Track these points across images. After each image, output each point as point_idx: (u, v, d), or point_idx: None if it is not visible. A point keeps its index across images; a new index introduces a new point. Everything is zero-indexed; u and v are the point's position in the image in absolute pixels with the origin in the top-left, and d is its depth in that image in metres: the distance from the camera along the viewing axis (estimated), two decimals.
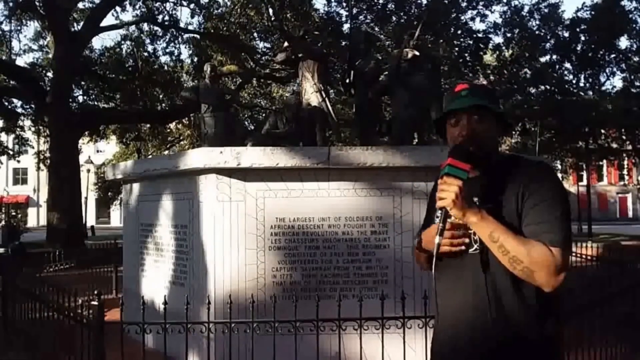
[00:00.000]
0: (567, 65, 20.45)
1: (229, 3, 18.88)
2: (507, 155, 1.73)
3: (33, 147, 23.58)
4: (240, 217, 4.12)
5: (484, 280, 1.52)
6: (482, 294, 1.51)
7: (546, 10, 19.34)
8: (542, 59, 20.51)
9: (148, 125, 21.66)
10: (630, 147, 22.00)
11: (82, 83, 19.21)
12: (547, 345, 1.51)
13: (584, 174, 28.47)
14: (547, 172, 1.58)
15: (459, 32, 18.49)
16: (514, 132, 22.61)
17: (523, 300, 1.49)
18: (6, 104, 18.88)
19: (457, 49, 18.72)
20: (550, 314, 1.53)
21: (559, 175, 29.46)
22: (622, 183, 43.22)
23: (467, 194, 1.48)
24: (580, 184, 29.93)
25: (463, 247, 1.55)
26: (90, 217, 35.47)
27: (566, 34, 19.65)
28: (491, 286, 1.51)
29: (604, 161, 28.01)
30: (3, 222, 22.79)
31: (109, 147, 32.19)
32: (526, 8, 19.30)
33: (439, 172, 1.54)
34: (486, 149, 1.60)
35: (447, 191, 1.47)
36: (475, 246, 1.55)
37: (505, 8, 19.16)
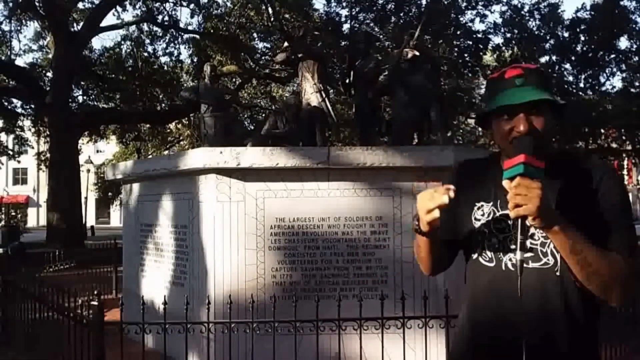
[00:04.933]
0: (567, 65, 20.44)
1: (228, 3, 18.89)
2: (560, 152, 1.50)
3: (33, 147, 23.59)
4: (240, 217, 4.12)
5: (557, 295, 1.35)
6: (553, 309, 1.35)
7: (546, 10, 19.33)
8: (542, 59, 20.50)
9: (148, 125, 21.66)
10: (630, 147, 21.99)
11: (82, 83, 19.21)
12: (598, 354, 1.46)
13: None
14: (617, 176, 1.42)
15: (459, 32, 18.49)
16: None
17: (587, 314, 1.38)
18: (6, 104, 18.88)
19: (456, 49, 18.72)
20: (598, 324, 1.45)
21: None
22: None
23: (548, 199, 1.24)
24: None
25: (436, 214, 1.30)
26: (90, 217, 35.48)
27: (566, 34, 19.65)
28: (563, 300, 1.35)
29: None
30: (3, 222, 22.81)
31: (109, 147, 32.16)
32: (526, 8, 19.29)
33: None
34: (547, 144, 1.39)
35: (527, 196, 1.21)
36: (545, 260, 1.36)
37: (505, 8, 19.17)
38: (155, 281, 4.92)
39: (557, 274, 1.36)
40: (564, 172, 1.40)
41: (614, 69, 20.19)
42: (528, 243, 1.35)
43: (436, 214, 1.31)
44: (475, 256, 1.47)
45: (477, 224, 1.46)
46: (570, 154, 1.53)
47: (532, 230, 1.34)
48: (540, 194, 1.21)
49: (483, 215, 1.46)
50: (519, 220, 1.26)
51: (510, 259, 1.39)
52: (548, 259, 1.37)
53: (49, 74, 18.14)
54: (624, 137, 21.38)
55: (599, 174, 1.38)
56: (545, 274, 1.36)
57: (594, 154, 22.13)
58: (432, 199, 1.31)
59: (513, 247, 1.36)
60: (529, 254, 1.36)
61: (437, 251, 1.51)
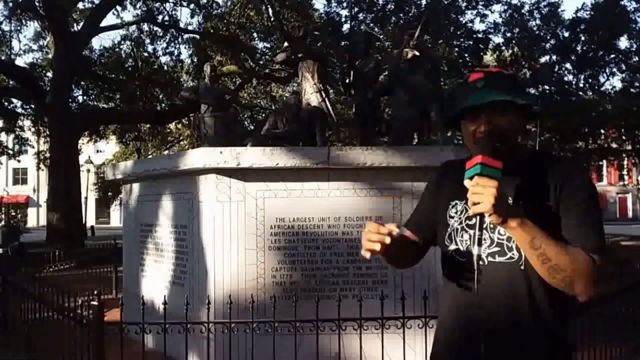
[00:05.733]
0: (567, 65, 20.45)
1: (228, 3, 18.89)
2: (531, 151, 1.56)
3: (33, 147, 23.58)
4: (240, 217, 4.12)
5: (523, 288, 1.40)
6: (519, 302, 1.40)
7: (546, 10, 19.33)
8: (542, 59, 20.51)
9: (148, 125, 21.66)
10: (630, 147, 21.99)
11: (82, 83, 19.21)
12: (568, 347, 1.49)
13: None
14: (584, 173, 1.46)
15: (459, 32, 18.50)
16: None
17: (554, 307, 1.42)
18: (6, 104, 18.88)
19: (457, 49, 18.72)
20: (567, 316, 1.50)
21: None
22: (621, 183, 43.21)
23: (504, 197, 1.31)
24: None
25: (377, 248, 1.39)
26: (90, 217, 35.48)
27: (566, 34, 19.65)
28: (528, 293, 1.40)
29: (604, 161, 28.00)
30: (3, 222, 22.81)
31: (109, 147, 32.17)
32: (526, 7, 19.30)
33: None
34: (510, 143, 1.45)
35: (483, 194, 1.28)
36: (510, 254, 1.41)
37: (505, 7, 19.17)
38: (155, 281, 4.92)
39: (522, 267, 1.40)
40: (534, 171, 1.45)
41: (614, 69, 20.19)
42: (495, 238, 1.43)
43: (376, 247, 1.40)
44: (449, 252, 1.53)
45: (451, 222, 1.54)
46: (542, 154, 1.58)
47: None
48: (495, 192, 1.27)
49: (456, 212, 1.53)
50: (477, 217, 1.33)
51: (483, 252, 1.45)
52: (513, 254, 1.42)
53: (49, 74, 18.14)
54: (623, 137, 21.37)
55: (566, 172, 1.43)
56: (510, 268, 1.41)
57: (594, 154, 22.17)
58: (376, 235, 1.40)
59: (484, 242, 1.43)
60: (495, 249, 1.43)
61: (394, 257, 1.59)
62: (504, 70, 1.56)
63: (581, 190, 1.40)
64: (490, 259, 1.43)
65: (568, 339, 1.50)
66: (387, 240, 1.39)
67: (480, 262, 1.42)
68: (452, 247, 1.52)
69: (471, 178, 1.33)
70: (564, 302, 1.44)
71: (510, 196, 1.41)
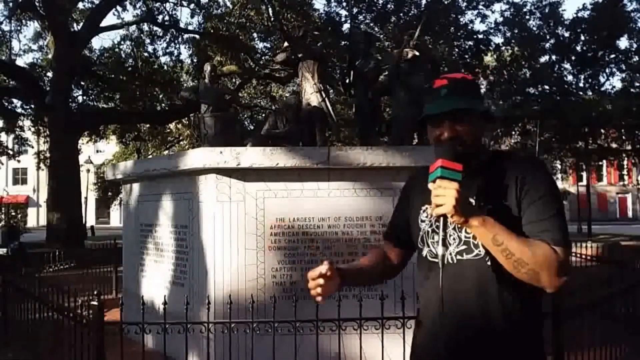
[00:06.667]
0: (567, 65, 20.45)
1: (228, 3, 18.90)
2: (494, 152, 1.63)
3: (33, 147, 23.59)
4: (240, 217, 4.12)
5: (491, 283, 1.45)
6: (489, 297, 1.45)
7: (547, 10, 19.33)
8: (542, 59, 20.51)
9: (148, 125, 21.67)
10: (630, 147, 22.00)
11: (82, 83, 19.21)
12: (541, 342, 1.54)
13: (584, 174, 28.49)
14: (542, 168, 1.53)
15: (459, 32, 18.49)
16: (513, 132, 22.62)
17: (523, 301, 1.46)
18: (6, 104, 18.89)
19: (457, 49, 18.72)
20: (539, 311, 1.55)
21: (559, 175, 29.61)
22: (621, 183, 43.24)
23: (464, 197, 1.38)
24: (580, 184, 29.94)
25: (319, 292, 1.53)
26: (90, 217, 35.48)
27: (566, 34, 19.65)
28: (497, 288, 1.45)
29: (604, 161, 28.02)
30: (3, 222, 22.80)
31: (109, 147, 32.19)
32: (527, 7, 19.29)
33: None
34: (472, 147, 1.52)
35: (445, 196, 1.35)
36: (477, 251, 1.47)
37: (506, 7, 19.17)
38: (155, 281, 4.92)
39: (488, 263, 1.45)
40: (495, 170, 1.51)
41: (614, 69, 20.19)
42: (462, 236, 1.49)
43: (319, 290, 1.52)
44: (423, 254, 1.61)
45: (422, 225, 1.61)
46: (503, 153, 1.63)
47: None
48: (456, 194, 1.33)
49: (427, 216, 1.60)
50: (441, 219, 1.38)
51: (450, 253, 1.51)
52: (479, 250, 1.47)
53: (49, 74, 18.14)
54: (623, 137, 21.38)
55: (525, 169, 1.49)
56: (478, 265, 1.47)
57: (594, 154, 22.17)
58: (311, 282, 1.55)
59: (453, 242, 1.51)
60: (462, 247, 1.50)
61: (367, 279, 1.79)
62: (467, 77, 1.63)
63: (540, 184, 1.46)
64: (458, 257, 1.50)
65: (542, 338, 1.55)
66: (321, 281, 1.50)
67: (449, 262, 1.48)
68: (425, 249, 1.59)
69: (434, 181, 1.39)
70: (535, 298, 1.49)
71: (472, 196, 1.48)
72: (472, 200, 1.48)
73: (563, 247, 1.40)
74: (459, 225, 1.43)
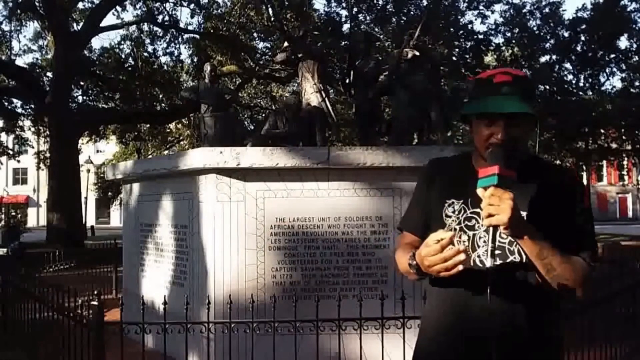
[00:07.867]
0: (567, 65, 20.44)
1: (228, 3, 18.88)
2: (531, 157, 1.54)
3: (33, 147, 23.57)
4: (240, 217, 4.12)
5: (525, 288, 1.43)
6: (522, 304, 1.42)
7: (547, 10, 19.32)
8: (542, 59, 20.50)
9: (148, 125, 21.65)
10: (630, 147, 21.99)
11: (82, 83, 19.20)
12: (562, 346, 1.55)
13: (584, 174, 28.48)
14: (581, 182, 1.52)
15: (460, 33, 18.48)
16: None
17: (551, 306, 1.47)
18: (6, 104, 18.88)
19: (457, 50, 18.71)
20: (559, 317, 1.56)
21: None
22: (621, 183, 43.24)
23: (518, 209, 1.29)
24: None
25: (460, 268, 1.32)
26: (90, 217, 35.47)
27: (566, 34, 19.64)
28: (530, 294, 1.42)
29: (604, 161, 28.01)
30: (3, 222, 22.80)
31: (109, 147, 32.16)
32: (527, 7, 19.28)
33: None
34: (523, 153, 1.47)
35: (500, 206, 1.26)
36: (512, 258, 1.42)
37: (506, 7, 19.16)
38: (155, 281, 4.92)
39: (523, 270, 1.43)
40: (534, 178, 1.45)
41: (614, 69, 20.18)
42: (497, 242, 1.39)
43: (461, 257, 1.31)
44: None
45: (447, 221, 1.51)
46: (536, 160, 1.57)
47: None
48: (512, 205, 1.26)
49: (454, 212, 1.50)
50: (491, 229, 1.31)
51: (479, 256, 1.45)
52: (515, 257, 1.43)
53: (49, 74, 18.14)
54: (623, 137, 21.37)
55: (566, 183, 1.48)
56: (511, 272, 1.43)
57: (594, 154, 22.16)
58: (445, 257, 1.32)
59: (483, 244, 1.43)
60: (497, 252, 1.42)
61: None
62: (526, 75, 1.54)
63: (580, 201, 1.46)
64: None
65: (564, 339, 1.56)
66: (462, 257, 1.31)
67: (479, 264, 1.43)
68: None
69: (485, 188, 1.30)
70: (558, 301, 1.50)
71: (522, 204, 1.38)
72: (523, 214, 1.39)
73: (595, 262, 1.46)
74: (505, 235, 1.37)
